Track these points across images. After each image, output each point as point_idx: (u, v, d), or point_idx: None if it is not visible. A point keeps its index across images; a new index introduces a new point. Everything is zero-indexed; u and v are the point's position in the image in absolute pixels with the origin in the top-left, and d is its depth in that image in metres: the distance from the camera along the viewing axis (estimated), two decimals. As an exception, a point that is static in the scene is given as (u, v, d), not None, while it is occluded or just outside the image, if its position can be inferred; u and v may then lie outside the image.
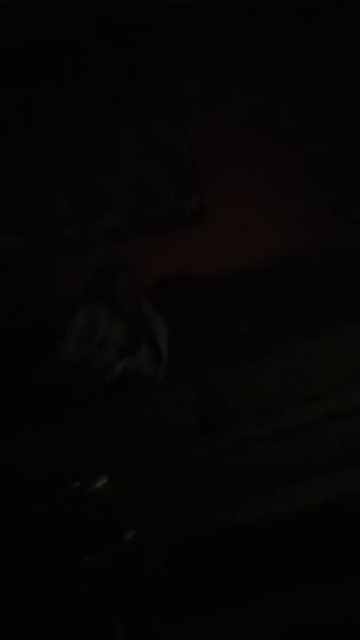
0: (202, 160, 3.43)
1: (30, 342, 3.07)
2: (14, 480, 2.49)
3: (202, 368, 2.92)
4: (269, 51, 3.47)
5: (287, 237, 3.45)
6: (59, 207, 3.41)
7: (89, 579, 1.58)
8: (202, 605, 1.66)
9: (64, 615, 1.57)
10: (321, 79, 3.50)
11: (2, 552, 1.91)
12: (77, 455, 2.57)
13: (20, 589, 1.72)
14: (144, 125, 3.42)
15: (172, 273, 3.36)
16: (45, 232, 3.41)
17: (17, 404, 2.80)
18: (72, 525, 1.69)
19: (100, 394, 2.81)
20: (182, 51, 3.40)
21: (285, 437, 2.63)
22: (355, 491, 1.97)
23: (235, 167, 3.47)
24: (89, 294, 3.11)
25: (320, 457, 2.59)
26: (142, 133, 3.42)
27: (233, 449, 2.63)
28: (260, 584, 1.68)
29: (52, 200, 3.41)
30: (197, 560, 1.85)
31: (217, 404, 2.71)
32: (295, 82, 3.50)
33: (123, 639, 1.50)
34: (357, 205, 3.51)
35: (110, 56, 3.39)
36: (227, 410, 2.70)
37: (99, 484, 1.70)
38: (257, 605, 1.61)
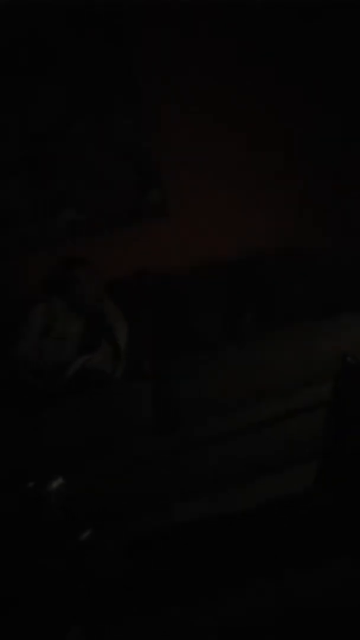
0: (164, 157, 3.43)
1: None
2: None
3: (161, 364, 2.93)
4: (233, 49, 3.47)
5: (248, 236, 3.48)
6: (16, 201, 3.36)
7: (42, 582, 1.57)
8: (157, 605, 1.67)
9: (16, 620, 1.56)
10: (289, 76, 3.51)
11: None
12: (33, 453, 2.56)
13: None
14: (106, 120, 3.39)
15: (132, 269, 3.36)
16: (2, 226, 3.35)
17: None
18: (25, 526, 1.68)
19: (58, 391, 2.79)
20: (147, 47, 3.38)
21: (242, 435, 2.67)
22: (306, 490, 2.00)
23: (198, 166, 3.47)
24: (48, 289, 3.08)
25: (275, 455, 2.64)
26: (103, 127, 3.39)
27: (189, 447, 2.66)
28: (217, 584, 1.70)
29: (9, 193, 3.35)
30: (154, 559, 1.86)
31: (175, 401, 2.72)
32: (260, 80, 3.51)
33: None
34: (317, 209, 3.57)
35: (73, 50, 3.34)
36: (185, 408, 2.72)
37: (54, 484, 1.69)
38: (212, 605, 1.63)
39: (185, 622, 1.55)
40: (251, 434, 2.65)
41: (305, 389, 2.70)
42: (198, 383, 2.73)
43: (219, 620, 1.49)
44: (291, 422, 2.67)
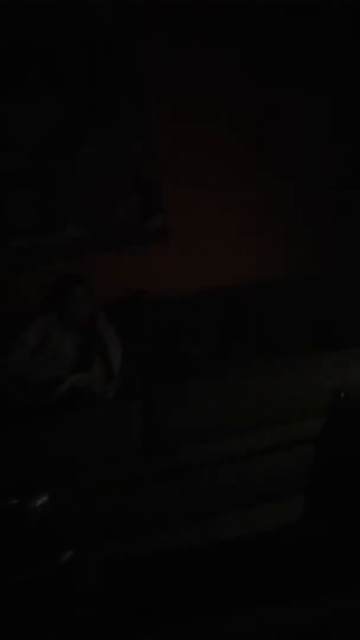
0: (168, 183, 3.48)
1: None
2: None
3: (152, 387, 2.92)
4: (240, 83, 3.54)
5: (244, 266, 3.52)
6: (20, 214, 3.38)
7: (18, 601, 1.54)
8: (135, 629, 1.64)
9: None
10: (295, 109, 3.60)
11: None
12: (20, 468, 2.53)
13: None
14: (113, 141, 3.44)
15: (129, 290, 3.37)
16: (2, 239, 3.36)
17: None
18: (6, 543, 1.66)
19: (48, 408, 2.77)
20: (154, 70, 3.44)
21: (230, 463, 2.66)
22: (290, 522, 1.99)
23: (200, 194, 3.53)
24: (44, 305, 3.08)
25: (262, 486, 2.63)
26: (110, 148, 3.44)
27: (174, 472, 2.64)
28: (196, 610, 1.68)
29: (13, 206, 3.36)
30: (135, 582, 1.83)
31: (163, 425, 2.71)
32: (265, 111, 3.58)
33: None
34: (317, 242, 3.62)
35: (83, 69, 3.39)
36: (172, 432, 2.71)
37: (38, 502, 1.67)
38: (190, 631, 1.60)
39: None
40: (240, 463, 2.64)
41: (295, 422, 2.70)
42: (187, 408, 2.73)
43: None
44: (279, 454, 2.66)
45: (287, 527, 1.86)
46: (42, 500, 1.67)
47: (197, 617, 1.60)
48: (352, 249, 3.60)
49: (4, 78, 3.32)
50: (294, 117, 3.62)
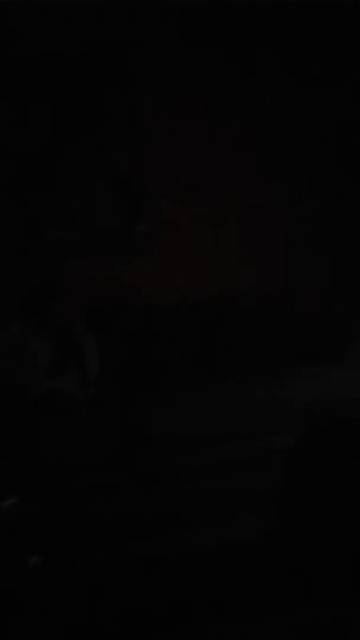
0: (155, 193, 3.48)
1: None
2: None
3: (127, 395, 2.92)
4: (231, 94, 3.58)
5: (226, 278, 3.54)
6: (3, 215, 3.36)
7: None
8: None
9: None
10: (284, 120, 3.62)
11: None
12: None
13: None
14: (99, 147, 3.44)
15: (110, 298, 3.36)
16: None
17: None
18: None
19: (22, 412, 2.74)
20: (143, 79, 3.45)
21: (204, 474, 2.66)
22: (260, 534, 1.99)
23: (185, 204, 3.54)
24: (22, 309, 3.06)
25: (235, 497, 2.62)
26: (96, 154, 3.44)
27: (148, 480, 2.63)
28: (166, 621, 1.67)
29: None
30: (102, 591, 1.81)
31: (139, 433, 2.70)
32: (258, 123, 3.60)
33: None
34: (300, 258, 3.65)
35: (72, 73, 3.39)
36: (147, 440, 2.70)
37: (6, 503, 1.65)
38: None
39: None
40: (215, 473, 2.63)
41: (271, 433, 2.71)
42: (163, 417, 2.72)
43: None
44: (254, 466, 2.66)
45: (259, 539, 1.87)
46: (10, 501, 1.66)
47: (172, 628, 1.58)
48: (336, 270, 3.64)
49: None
50: (290, 132, 3.64)
